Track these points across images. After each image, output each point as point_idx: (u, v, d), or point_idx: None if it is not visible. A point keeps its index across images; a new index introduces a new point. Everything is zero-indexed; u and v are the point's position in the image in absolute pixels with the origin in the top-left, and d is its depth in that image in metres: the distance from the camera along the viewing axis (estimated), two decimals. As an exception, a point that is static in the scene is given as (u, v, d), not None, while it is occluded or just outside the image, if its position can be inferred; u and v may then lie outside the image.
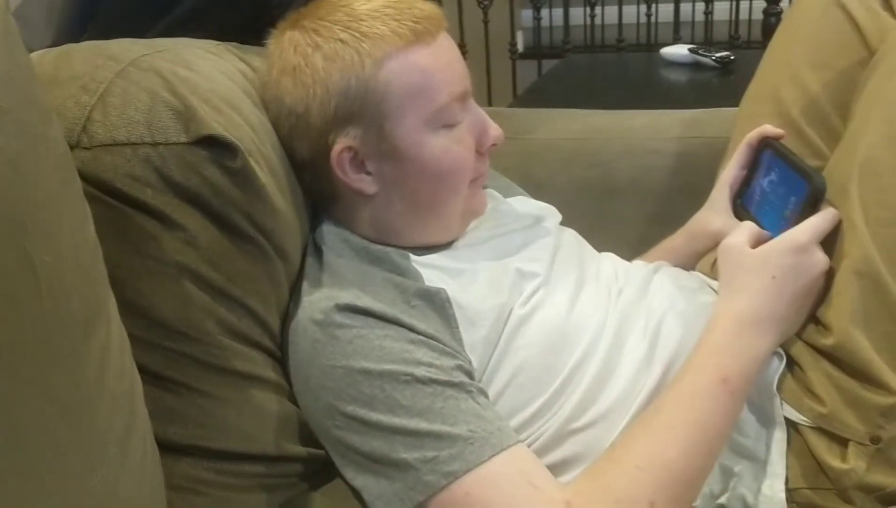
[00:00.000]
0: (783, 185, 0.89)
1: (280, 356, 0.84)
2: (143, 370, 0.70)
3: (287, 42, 0.86)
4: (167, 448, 0.75)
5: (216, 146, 0.76)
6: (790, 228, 0.83)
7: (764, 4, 3.07)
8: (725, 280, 0.85)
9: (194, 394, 0.77)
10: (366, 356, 0.77)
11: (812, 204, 0.83)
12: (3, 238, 0.51)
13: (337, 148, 0.84)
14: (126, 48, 0.81)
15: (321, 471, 0.84)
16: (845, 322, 0.80)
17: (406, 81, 0.83)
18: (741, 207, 0.98)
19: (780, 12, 2.94)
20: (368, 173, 0.87)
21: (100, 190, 0.73)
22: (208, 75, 0.83)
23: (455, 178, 0.88)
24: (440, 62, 0.86)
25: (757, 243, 0.85)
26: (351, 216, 0.91)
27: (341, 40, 0.83)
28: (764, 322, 0.82)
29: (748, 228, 0.87)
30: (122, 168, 0.73)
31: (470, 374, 0.80)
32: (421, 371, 0.76)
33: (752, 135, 0.97)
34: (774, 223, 0.87)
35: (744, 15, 3.46)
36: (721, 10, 3.45)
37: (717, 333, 0.82)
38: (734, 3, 3.43)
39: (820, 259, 0.82)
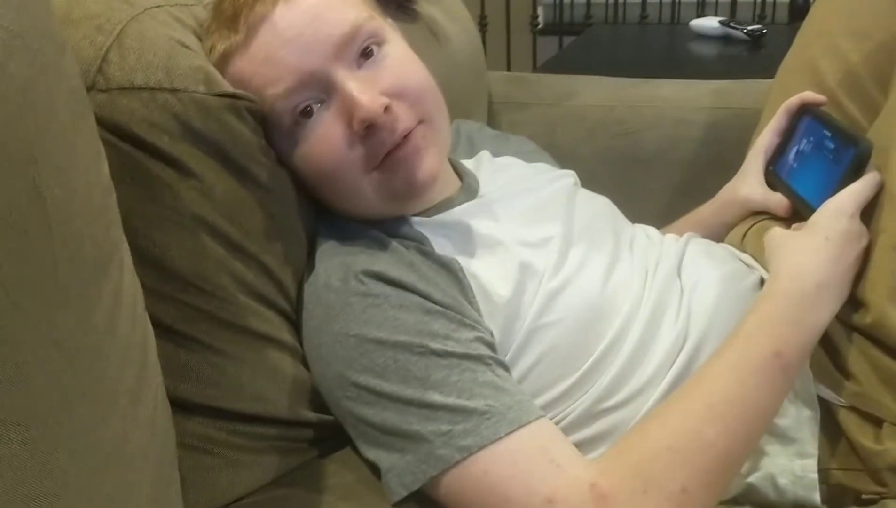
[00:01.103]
0: (823, 151, 0.85)
1: (294, 319, 0.81)
2: (155, 322, 0.67)
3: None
4: (178, 405, 0.72)
5: (236, 94, 0.74)
6: (831, 194, 0.79)
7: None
8: (775, 253, 0.81)
9: (208, 351, 0.74)
10: (379, 325, 0.74)
11: (856, 169, 0.79)
12: (12, 168, 0.48)
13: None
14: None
15: (333, 438, 0.81)
16: (883, 299, 0.76)
17: (243, 85, 0.77)
18: (773, 174, 0.94)
19: (809, -8, 2.88)
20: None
21: (115, 134, 0.70)
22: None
23: (332, 176, 0.80)
24: (275, 41, 0.76)
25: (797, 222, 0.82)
26: None
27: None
28: (824, 287, 0.76)
29: (789, 207, 0.84)
30: (139, 112, 0.70)
31: (491, 345, 0.77)
32: (436, 344, 0.73)
33: (792, 101, 0.93)
34: (811, 191, 0.84)
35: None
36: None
37: (771, 301, 0.76)
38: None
39: (863, 230, 0.78)
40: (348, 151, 0.78)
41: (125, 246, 0.61)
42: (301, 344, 0.81)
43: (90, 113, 0.59)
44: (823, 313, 0.76)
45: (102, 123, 0.69)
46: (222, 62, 0.78)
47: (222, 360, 0.75)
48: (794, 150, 0.91)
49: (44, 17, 0.54)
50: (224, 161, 0.74)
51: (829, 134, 0.85)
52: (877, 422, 0.77)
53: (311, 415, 0.80)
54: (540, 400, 0.78)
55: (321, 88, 0.77)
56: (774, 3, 3.40)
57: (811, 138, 0.88)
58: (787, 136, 0.94)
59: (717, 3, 3.50)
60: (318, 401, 0.81)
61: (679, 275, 0.87)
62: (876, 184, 0.79)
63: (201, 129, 0.72)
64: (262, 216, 0.77)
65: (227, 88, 0.74)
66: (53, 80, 0.53)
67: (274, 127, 0.79)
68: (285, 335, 0.80)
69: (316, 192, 0.84)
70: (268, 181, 0.77)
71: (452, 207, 0.88)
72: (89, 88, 0.69)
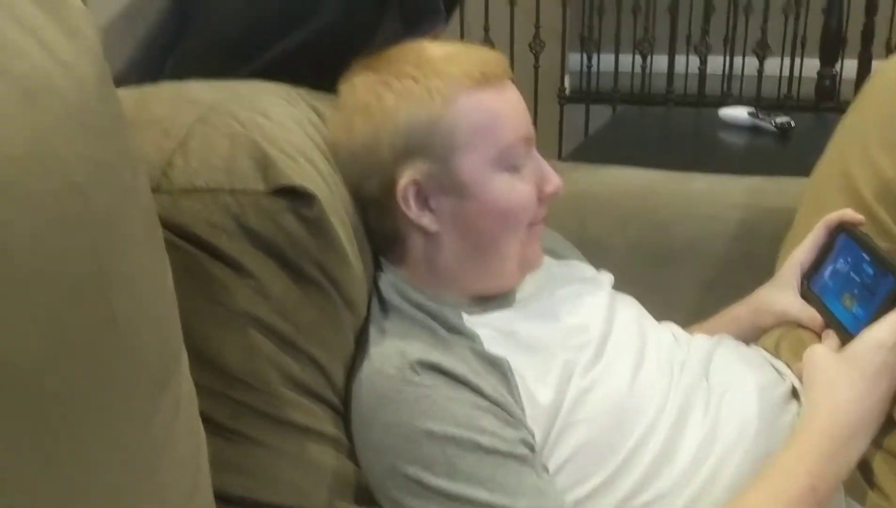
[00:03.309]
0: (860, 274, 0.87)
1: (342, 410, 0.83)
2: (205, 419, 0.70)
3: (359, 83, 0.88)
4: (218, 497, 0.74)
5: (293, 195, 0.77)
6: (867, 322, 0.81)
7: (817, 63, 3.06)
8: (814, 381, 0.83)
9: (250, 444, 0.76)
10: (431, 416, 0.76)
11: (894, 299, 0.81)
12: (91, 291, 0.51)
13: (403, 182, 0.84)
14: (204, 92, 0.82)
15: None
16: None
17: (474, 118, 0.84)
18: (810, 290, 0.95)
19: (835, 76, 2.92)
20: (431, 210, 0.86)
21: (177, 235, 0.73)
22: (283, 123, 0.84)
23: (516, 218, 0.88)
24: (507, 105, 0.87)
25: (837, 348, 0.83)
26: (407, 257, 0.90)
27: (413, 78, 0.84)
28: (857, 424, 0.79)
29: (830, 336, 0.86)
30: (201, 214, 0.73)
31: (532, 448, 0.79)
32: (485, 439, 0.75)
33: (831, 218, 0.95)
34: (847, 315, 0.86)
35: (796, 72, 3.44)
36: (772, 66, 3.43)
37: (808, 435, 0.79)
38: (787, 60, 3.41)
39: None
40: (533, 203, 0.89)
41: (184, 355, 0.64)
42: (347, 433, 0.83)
43: (159, 226, 0.62)
44: (858, 448, 0.79)
45: (166, 224, 0.71)
46: (462, 91, 0.84)
47: (263, 453, 0.77)
48: (831, 268, 0.93)
49: (123, 143, 0.57)
50: (280, 260, 0.77)
51: (867, 258, 0.87)
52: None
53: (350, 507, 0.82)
54: (570, 497, 0.80)
55: (528, 150, 0.88)
56: (800, 79, 3.44)
57: (849, 259, 0.90)
58: (824, 252, 0.95)
59: (742, 76, 3.54)
60: (358, 493, 0.82)
61: (707, 377, 0.89)
62: None
63: (258, 229, 0.75)
64: (314, 312, 0.80)
65: (290, 178, 0.77)
66: (131, 203, 0.56)
67: (471, 166, 0.85)
68: (329, 427, 0.82)
69: (475, 223, 0.87)
70: (321, 278, 0.79)
71: (501, 307, 0.90)
72: (154, 191, 0.73)
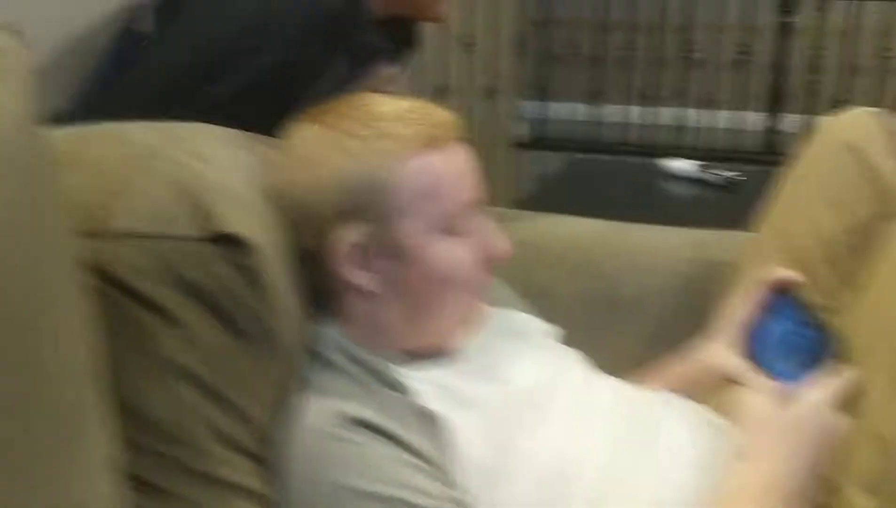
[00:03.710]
0: (798, 334, 0.88)
1: (268, 465, 0.80)
2: (131, 475, 0.67)
3: (306, 134, 0.86)
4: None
5: (230, 243, 0.75)
6: (803, 380, 0.82)
7: (764, 117, 3.14)
8: (746, 439, 0.83)
9: (173, 500, 0.73)
10: (359, 473, 0.74)
11: (827, 359, 0.82)
12: (10, 337, 0.48)
13: (341, 242, 0.83)
14: (144, 135, 0.80)
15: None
16: (853, 487, 0.78)
17: (418, 182, 0.83)
18: (748, 347, 0.96)
19: (780, 129, 3.00)
20: (370, 271, 0.85)
21: (108, 282, 0.70)
22: (224, 168, 0.82)
23: (457, 284, 0.87)
24: (453, 169, 0.86)
25: (776, 399, 0.83)
26: (347, 314, 0.88)
27: (360, 137, 0.83)
28: (786, 485, 0.80)
29: (766, 385, 0.86)
30: (134, 260, 0.71)
31: (463, 505, 0.77)
32: (413, 497, 0.73)
33: (769, 276, 0.96)
34: (786, 372, 0.86)
35: (743, 125, 3.52)
36: (721, 119, 3.51)
37: (737, 493, 0.80)
38: (735, 113, 3.49)
39: (839, 422, 0.81)
40: (476, 270, 0.88)
41: (106, 403, 0.61)
42: (273, 489, 0.80)
43: (81, 273, 0.60)
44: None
45: (97, 269, 0.69)
46: (409, 155, 0.83)
47: (187, 509, 0.74)
48: (769, 325, 0.94)
49: (49, 183, 0.55)
50: (212, 309, 0.74)
51: (804, 320, 0.88)
52: None
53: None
54: None
55: (473, 214, 0.87)
56: (745, 132, 3.52)
57: (786, 317, 0.91)
58: (763, 311, 0.96)
59: (691, 130, 3.62)
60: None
61: (651, 438, 0.88)
62: (851, 379, 0.82)
63: (191, 276, 0.73)
64: (245, 364, 0.77)
65: (227, 226, 0.75)
66: (55, 247, 0.54)
67: (412, 230, 0.83)
68: (255, 482, 0.78)
69: (416, 288, 0.85)
70: (255, 329, 0.77)
71: (441, 363, 0.88)
72: (88, 235, 0.70)
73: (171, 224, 0.73)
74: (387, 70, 1.05)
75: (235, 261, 0.75)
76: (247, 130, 0.93)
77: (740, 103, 3.48)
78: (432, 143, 0.84)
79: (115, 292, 0.71)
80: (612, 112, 3.63)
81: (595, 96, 3.41)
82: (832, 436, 0.80)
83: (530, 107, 3.78)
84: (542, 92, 3.56)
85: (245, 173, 0.85)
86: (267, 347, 0.78)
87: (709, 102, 3.20)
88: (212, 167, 0.80)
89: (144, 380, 0.71)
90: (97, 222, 0.71)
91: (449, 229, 0.85)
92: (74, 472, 0.55)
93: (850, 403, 0.82)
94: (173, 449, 0.73)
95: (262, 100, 0.96)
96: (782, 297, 0.93)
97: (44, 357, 0.51)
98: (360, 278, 0.85)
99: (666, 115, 3.50)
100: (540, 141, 3.55)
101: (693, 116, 3.60)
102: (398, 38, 1.05)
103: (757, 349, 0.94)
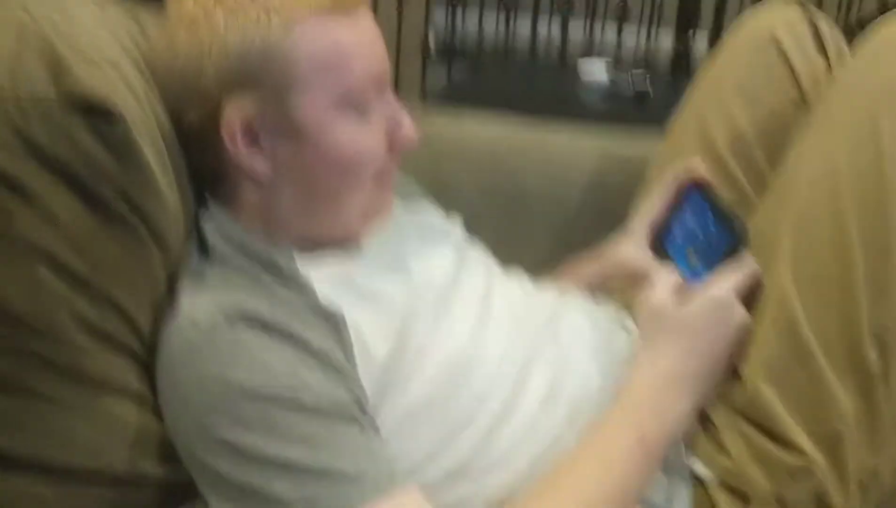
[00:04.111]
0: (706, 230, 0.86)
1: (146, 362, 0.73)
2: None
3: None
4: (-1, 458, 0.63)
5: (93, 109, 0.65)
6: (710, 276, 0.79)
7: (672, 34, 3.12)
8: (645, 335, 0.81)
9: (35, 399, 0.66)
10: (249, 370, 0.67)
11: (733, 254, 0.80)
12: None
13: (229, 115, 0.74)
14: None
15: (181, 495, 0.73)
16: (758, 377, 0.77)
17: (317, 50, 0.74)
18: (659, 244, 0.93)
19: (689, 46, 2.99)
20: (262, 150, 0.76)
21: (-60, 147, 0.61)
22: (89, 29, 0.72)
23: (359, 169, 0.79)
24: (359, 37, 0.77)
25: (678, 294, 0.81)
26: (236, 199, 0.80)
27: None
28: (686, 380, 0.78)
29: (668, 280, 0.82)
30: None
31: (363, 407, 0.72)
32: (309, 397, 0.67)
33: (680, 172, 0.92)
34: (694, 269, 0.84)
35: (653, 43, 3.51)
36: (630, 36, 3.48)
37: (636, 389, 0.78)
38: (647, 29, 3.47)
39: (741, 313, 0.79)
40: (380, 153, 0.80)
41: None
42: (153, 389, 0.73)
43: None
44: (686, 402, 0.78)
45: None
46: (306, 17, 0.74)
47: (52, 409, 0.67)
48: (679, 222, 0.91)
49: None
50: (72, 183, 0.65)
51: (710, 214, 0.86)
52: (747, 500, 0.77)
53: (156, 469, 0.72)
54: (405, 461, 0.74)
55: (381, 93, 0.79)
56: (656, 49, 3.51)
57: (695, 214, 0.89)
58: (673, 204, 0.93)
59: (602, 42, 3.58)
60: (165, 453, 0.72)
61: (552, 331, 0.85)
62: (754, 271, 0.80)
63: (45, 144, 0.64)
64: (114, 248, 0.69)
65: (90, 88, 0.65)
66: None
67: (310, 106, 0.75)
68: (132, 380, 0.72)
69: (312, 171, 0.77)
70: (124, 208, 0.68)
71: (341, 255, 0.82)
72: None
73: (19, 81, 0.63)
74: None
75: (98, 129, 0.66)
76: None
77: (650, 19, 3.46)
78: (334, 6, 0.75)
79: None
80: (523, 26, 3.55)
81: (507, 2, 3.32)
82: (735, 329, 0.79)
83: (440, 16, 3.67)
84: (453, 1, 3.45)
85: (118, 36, 0.76)
86: (140, 230, 0.70)
87: (621, 14, 3.16)
88: (74, 23, 0.70)
89: (-7, 262, 0.62)
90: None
91: (353, 106, 0.76)
92: None
93: (753, 295, 0.80)
94: (33, 342, 0.65)
95: None
96: (692, 192, 0.91)
97: None
98: (250, 159, 0.76)
99: (577, 28, 3.44)
100: (450, 51, 3.45)
101: (604, 27, 3.57)
102: None
103: (665, 245, 0.91)
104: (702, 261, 0.84)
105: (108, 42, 0.73)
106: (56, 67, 0.64)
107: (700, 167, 0.91)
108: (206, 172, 0.80)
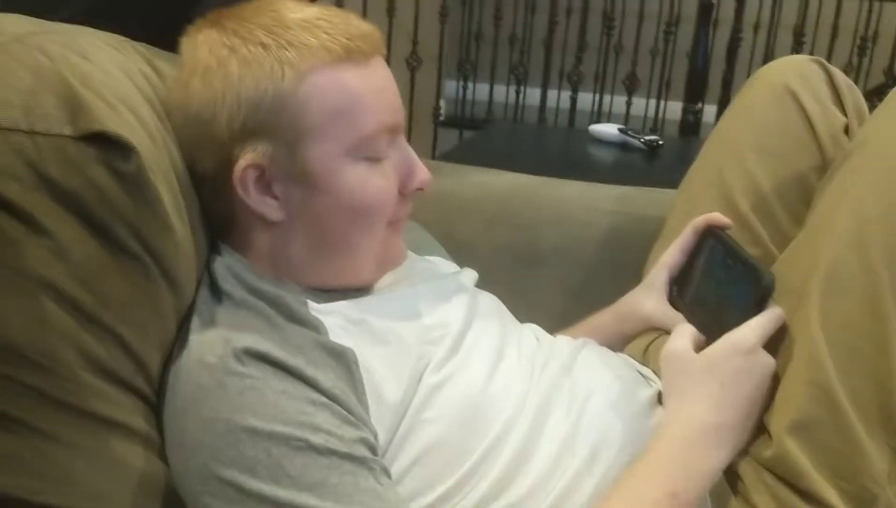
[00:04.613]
0: (727, 279, 0.84)
1: (154, 402, 0.72)
2: (-25, 401, 0.57)
3: (202, 40, 0.77)
4: (-6, 500, 0.61)
5: (107, 145, 0.65)
6: (733, 325, 0.77)
7: (680, 106, 3.15)
8: (670, 387, 0.79)
9: (36, 436, 0.64)
10: (256, 411, 0.66)
11: (758, 303, 0.78)
12: None
13: (241, 163, 0.74)
14: (13, 21, 0.70)
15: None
16: (786, 432, 0.74)
17: (330, 100, 0.74)
18: (677, 295, 0.92)
19: (699, 111, 3.02)
20: (274, 198, 0.76)
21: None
22: (105, 69, 0.72)
23: (371, 216, 0.78)
24: (371, 86, 0.77)
25: (699, 345, 0.79)
26: (248, 245, 0.80)
27: (262, 45, 0.74)
28: (715, 433, 0.75)
29: (688, 330, 0.81)
30: None
31: (373, 449, 0.69)
32: (318, 438, 0.65)
33: (699, 221, 0.91)
34: (712, 319, 0.82)
35: (661, 113, 3.55)
36: (639, 107, 3.52)
37: (665, 443, 0.75)
38: (656, 101, 3.51)
39: (767, 362, 0.76)
40: (393, 200, 0.80)
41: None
42: (159, 431, 0.71)
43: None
44: (718, 455, 0.75)
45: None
46: (318, 67, 0.74)
47: (52, 447, 0.64)
48: (699, 272, 0.89)
49: None
50: (84, 219, 0.65)
51: (731, 262, 0.84)
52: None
53: (158, 517, 0.70)
54: (417, 504, 0.72)
55: (392, 142, 0.79)
56: (664, 120, 3.55)
57: (716, 263, 0.87)
58: (692, 256, 0.92)
59: (610, 113, 3.62)
60: (170, 499, 0.70)
61: (570, 379, 0.83)
62: (778, 318, 0.78)
63: (59, 179, 0.63)
64: (124, 286, 0.68)
65: (105, 124, 0.65)
66: None
67: (321, 154, 0.75)
68: (138, 420, 0.70)
69: (324, 219, 0.77)
70: (135, 246, 0.68)
71: (354, 295, 0.81)
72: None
73: (35, 118, 0.63)
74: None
75: (112, 165, 0.65)
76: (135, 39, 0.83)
77: (659, 91, 3.50)
78: (347, 55, 0.75)
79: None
80: (533, 96, 3.60)
81: (518, 72, 3.37)
82: (762, 378, 0.76)
83: (451, 86, 3.73)
84: (465, 67, 3.50)
85: (134, 78, 0.76)
86: (151, 269, 0.69)
87: (630, 83, 3.20)
88: (92, 64, 0.70)
89: (1, 295, 0.61)
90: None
91: (363, 154, 0.76)
92: None
93: (778, 344, 0.78)
94: (36, 377, 0.63)
95: (149, 7, 0.86)
96: (711, 242, 0.89)
97: None
98: (262, 206, 0.76)
99: (586, 100, 3.49)
100: (461, 119, 3.49)
101: (612, 101, 3.61)
102: None
103: (684, 296, 0.90)
104: (723, 310, 0.82)
105: (124, 83, 0.73)
106: (72, 105, 0.65)
107: (720, 218, 0.90)
108: (219, 216, 0.80)
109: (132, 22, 0.83)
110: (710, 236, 0.90)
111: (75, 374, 0.65)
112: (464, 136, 3.36)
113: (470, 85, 3.57)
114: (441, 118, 3.29)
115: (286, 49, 0.74)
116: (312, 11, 0.77)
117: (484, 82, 3.63)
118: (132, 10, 0.84)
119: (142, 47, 0.83)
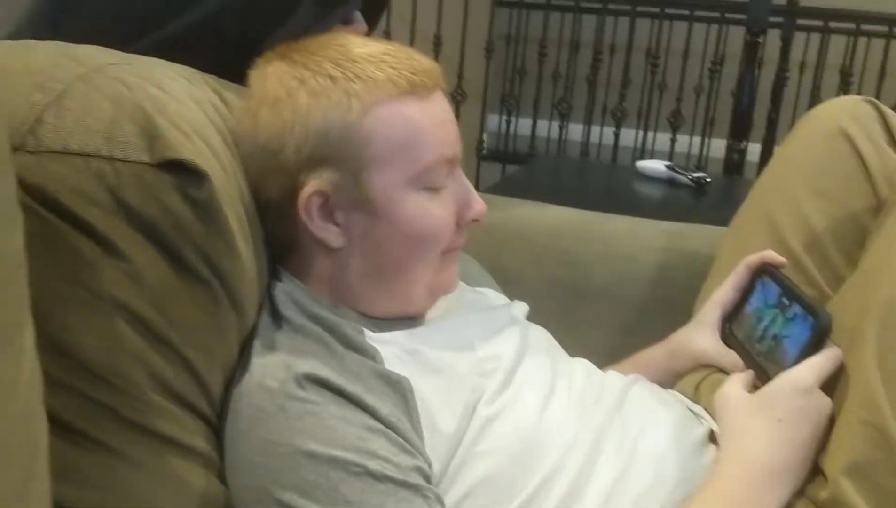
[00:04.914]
0: (783, 318, 0.84)
1: (215, 424, 0.73)
2: (51, 416, 0.59)
3: (271, 72, 0.79)
4: (59, 512, 0.63)
5: (182, 172, 0.68)
6: (787, 365, 0.77)
7: (724, 144, 3.14)
8: (727, 425, 0.79)
9: (102, 452, 0.66)
10: (315, 436, 0.67)
11: (816, 342, 0.78)
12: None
13: (307, 190, 0.76)
14: (93, 53, 0.73)
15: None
16: (842, 474, 0.73)
17: (393, 132, 0.77)
18: (730, 332, 0.92)
19: (744, 149, 3.00)
20: (336, 225, 0.79)
21: (39, 201, 0.63)
22: (179, 99, 0.75)
23: (428, 243, 0.80)
24: (433, 119, 0.79)
25: (753, 388, 0.79)
26: (308, 270, 0.82)
27: (331, 77, 0.76)
28: (774, 472, 0.75)
29: (746, 371, 0.81)
30: (70, 181, 0.64)
31: (428, 478, 0.71)
32: (375, 465, 0.67)
33: (752, 259, 0.91)
34: (767, 357, 0.82)
35: (705, 150, 3.54)
36: (682, 144, 3.52)
37: (723, 481, 0.75)
38: (700, 138, 3.51)
39: (825, 403, 0.76)
40: (450, 230, 0.81)
41: (30, 329, 0.54)
42: (219, 453, 0.73)
43: (10, 174, 0.52)
44: (775, 495, 0.75)
45: (27, 187, 0.62)
46: (383, 99, 0.77)
47: (119, 463, 0.66)
48: (752, 310, 0.89)
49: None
50: (158, 244, 0.67)
51: (787, 301, 0.84)
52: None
53: (215, 538, 0.71)
54: None
55: (450, 173, 0.81)
56: (707, 157, 3.54)
57: (770, 302, 0.87)
58: (745, 293, 0.92)
59: (653, 149, 3.62)
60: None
61: (621, 415, 0.83)
62: (836, 358, 0.77)
63: (136, 205, 0.66)
64: (193, 308, 0.70)
65: (180, 152, 0.68)
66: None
67: (384, 183, 0.77)
68: (200, 441, 0.71)
69: (383, 245, 0.79)
70: (205, 270, 0.70)
71: (408, 326, 0.83)
72: (16, 149, 0.63)
73: (115, 145, 0.65)
74: (357, 27, 0.99)
75: (186, 192, 0.68)
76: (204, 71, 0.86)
77: (704, 128, 3.50)
78: (411, 89, 0.78)
79: (47, 214, 0.63)
80: (575, 132, 3.62)
81: (561, 107, 3.39)
82: (819, 417, 0.76)
83: (494, 120, 3.76)
84: (509, 101, 3.54)
85: (205, 109, 0.78)
86: (218, 293, 0.71)
87: (674, 119, 3.20)
88: (166, 94, 0.73)
89: (77, 314, 0.64)
90: (30, 136, 0.64)
91: (423, 184, 0.79)
92: None
93: (832, 383, 0.77)
94: (105, 395, 0.65)
95: (220, 42, 0.88)
96: (765, 280, 0.89)
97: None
98: (325, 232, 0.78)
99: (627, 136, 3.50)
100: (504, 154, 3.52)
101: (655, 137, 3.61)
102: None
103: (739, 334, 0.90)
104: (779, 349, 0.82)
105: (196, 113, 0.76)
106: (150, 133, 0.67)
107: (774, 256, 0.90)
108: (281, 241, 0.82)
109: (201, 55, 0.86)
110: (764, 274, 0.90)
111: (144, 394, 0.67)
112: (506, 169, 3.38)
113: (513, 119, 3.60)
114: (483, 152, 3.32)
115: (353, 82, 0.76)
116: (378, 46, 0.80)
117: (526, 117, 3.66)
118: (202, 44, 0.87)
119: (210, 79, 0.86)
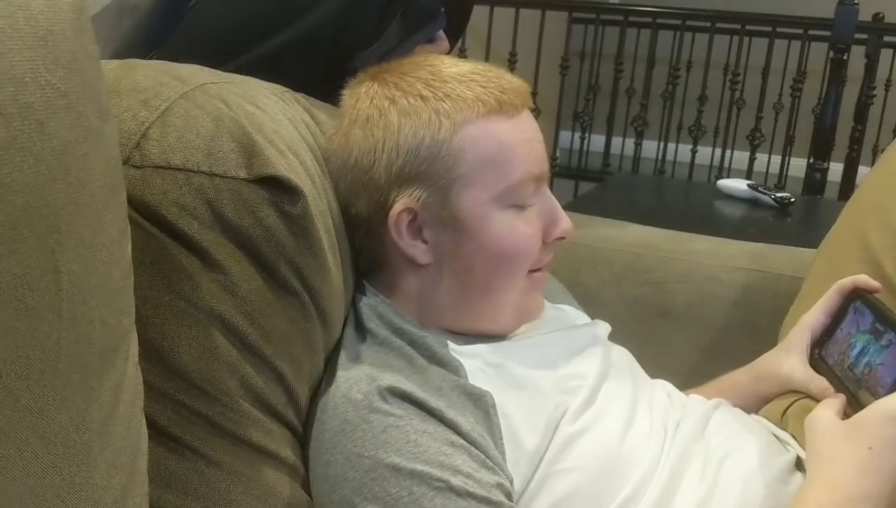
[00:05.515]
0: (877, 344, 0.81)
1: (301, 435, 0.75)
2: (149, 422, 0.61)
3: (363, 92, 0.81)
4: (158, 517, 0.65)
5: (277, 188, 0.70)
6: (883, 394, 0.75)
7: (804, 163, 3.07)
8: (815, 451, 0.76)
9: (200, 460, 0.67)
10: (399, 449, 0.68)
11: None
12: (32, 235, 0.43)
13: (396, 208, 0.78)
14: (194, 72, 0.76)
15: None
16: None
17: (482, 150, 0.78)
18: (819, 357, 0.89)
19: (826, 169, 2.93)
20: (424, 242, 0.80)
21: (142, 214, 0.65)
22: (274, 117, 0.77)
23: (515, 261, 0.81)
24: (521, 137, 0.80)
25: (844, 415, 0.76)
26: (395, 286, 0.83)
27: (421, 97, 0.78)
28: (861, 500, 0.72)
29: (836, 400, 0.79)
30: (172, 194, 0.66)
31: (509, 495, 0.70)
32: (457, 480, 0.67)
33: (845, 283, 0.89)
34: (859, 385, 0.79)
35: (785, 169, 3.46)
36: (761, 163, 3.45)
37: (809, 506, 0.73)
38: (780, 157, 3.43)
39: None
40: (537, 247, 0.82)
41: (134, 337, 0.56)
42: (304, 462, 0.74)
43: (123, 188, 0.55)
44: None
45: (132, 200, 0.64)
46: (472, 118, 0.78)
47: (214, 471, 0.68)
48: (844, 336, 0.87)
49: (93, 80, 0.50)
50: (253, 256, 0.69)
51: (882, 327, 0.81)
52: None
53: (299, 547, 0.72)
54: None
55: (537, 190, 0.81)
56: (787, 176, 3.45)
57: (863, 327, 0.84)
58: (836, 318, 0.89)
59: (730, 167, 3.55)
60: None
61: (704, 440, 0.82)
62: None
63: (234, 219, 0.68)
64: (284, 320, 0.71)
65: (276, 169, 0.69)
66: (92, 146, 0.49)
67: (472, 200, 0.78)
68: (287, 451, 0.73)
69: (470, 262, 0.80)
70: (296, 283, 0.72)
71: (492, 340, 0.83)
72: (124, 163, 0.65)
73: (215, 161, 0.68)
74: (440, 45, 1.00)
75: (281, 207, 0.70)
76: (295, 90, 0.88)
77: (784, 146, 3.42)
78: (500, 108, 0.78)
79: (150, 227, 0.66)
80: (649, 148, 3.58)
81: (637, 123, 3.36)
82: None
83: (565, 135, 3.75)
84: (581, 121, 3.52)
85: (297, 127, 0.80)
86: (309, 307, 0.73)
87: (753, 138, 3.13)
88: (263, 112, 0.75)
89: (175, 324, 0.66)
90: (136, 151, 0.66)
91: (511, 201, 0.79)
92: (95, 405, 0.49)
93: None
94: (200, 402, 0.67)
95: (310, 61, 0.91)
96: (858, 304, 0.87)
97: (69, 267, 0.45)
98: (413, 249, 0.79)
99: (704, 154, 3.44)
100: (576, 170, 3.50)
101: (733, 155, 3.54)
102: (450, 7, 1.00)
103: (830, 359, 0.87)
104: (872, 376, 0.79)
105: (290, 131, 0.78)
106: (248, 150, 0.69)
107: (868, 281, 0.88)
108: (368, 257, 0.83)
109: (291, 74, 0.88)
110: (857, 298, 0.88)
111: (237, 403, 0.68)
112: (579, 186, 3.36)
113: (586, 136, 3.58)
114: (557, 168, 3.31)
115: (443, 101, 0.77)
116: (467, 66, 0.81)
117: (599, 134, 3.63)
118: (292, 64, 0.89)
119: (301, 98, 0.88)
